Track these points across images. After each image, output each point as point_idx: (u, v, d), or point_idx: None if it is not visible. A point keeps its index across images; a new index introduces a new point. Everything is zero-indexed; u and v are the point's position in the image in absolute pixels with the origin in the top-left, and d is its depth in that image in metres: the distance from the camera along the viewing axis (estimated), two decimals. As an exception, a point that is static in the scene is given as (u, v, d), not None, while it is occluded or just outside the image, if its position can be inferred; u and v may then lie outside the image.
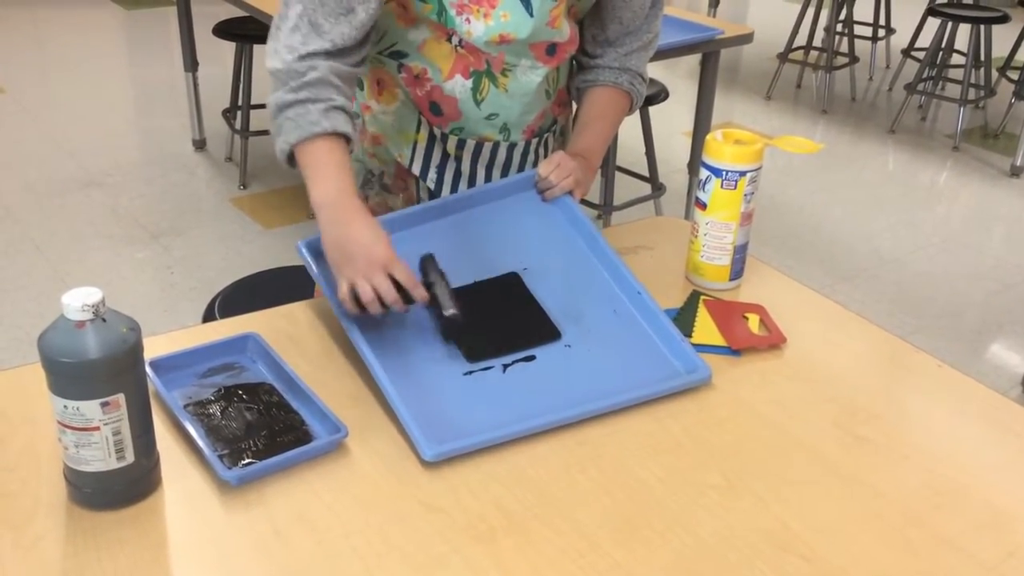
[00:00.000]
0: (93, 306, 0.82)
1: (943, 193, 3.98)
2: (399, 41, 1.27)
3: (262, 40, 3.37)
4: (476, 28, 1.20)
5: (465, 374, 1.05)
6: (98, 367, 0.82)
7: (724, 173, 1.24)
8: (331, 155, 1.12)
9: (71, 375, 0.83)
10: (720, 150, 1.24)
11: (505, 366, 1.07)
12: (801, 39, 5.04)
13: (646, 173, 3.26)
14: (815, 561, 0.85)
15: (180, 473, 0.93)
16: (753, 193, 1.26)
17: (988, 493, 0.94)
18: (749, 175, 1.24)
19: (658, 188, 3.23)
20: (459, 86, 1.27)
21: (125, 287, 2.91)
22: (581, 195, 1.31)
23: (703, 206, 1.28)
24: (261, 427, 0.99)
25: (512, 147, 1.35)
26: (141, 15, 5.79)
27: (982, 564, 0.86)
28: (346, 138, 1.15)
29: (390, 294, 1.04)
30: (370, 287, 1.05)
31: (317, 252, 1.15)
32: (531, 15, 1.20)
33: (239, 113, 3.55)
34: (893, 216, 3.69)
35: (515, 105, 1.30)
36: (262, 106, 3.81)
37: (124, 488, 0.88)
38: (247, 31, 3.40)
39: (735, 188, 1.24)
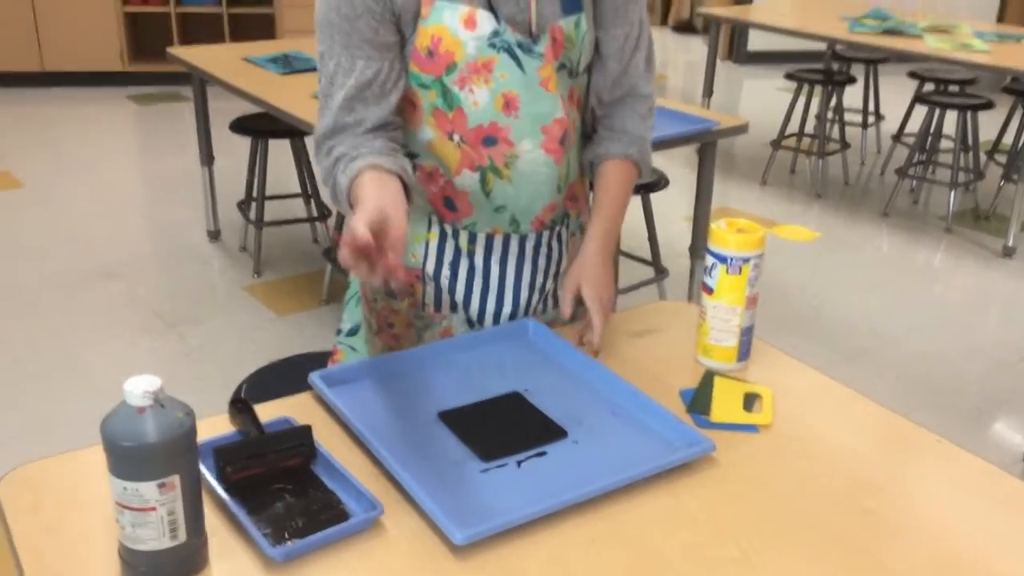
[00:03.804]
0: (153, 392, 0.89)
1: (938, 274, 4.07)
2: (409, 143, 1.37)
3: (277, 135, 3.54)
4: (480, 96, 1.30)
5: (482, 472, 1.12)
6: (157, 450, 0.88)
7: (729, 260, 1.32)
8: (358, 191, 1.22)
9: (131, 458, 0.89)
10: (725, 238, 1.32)
11: (519, 462, 1.13)
12: (793, 126, 5.22)
13: (649, 257, 3.36)
14: (830, 628, 0.90)
15: (226, 551, 0.98)
16: (757, 277, 1.34)
17: (989, 565, 0.99)
18: (752, 261, 1.32)
19: (661, 272, 3.33)
20: (468, 179, 1.36)
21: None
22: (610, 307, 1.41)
23: (710, 291, 1.36)
24: (299, 507, 1.04)
25: (523, 239, 1.43)
26: (154, 110, 5.98)
27: (989, 629, 0.90)
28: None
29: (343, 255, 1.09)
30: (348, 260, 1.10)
31: (330, 381, 1.26)
32: (522, 71, 1.30)
33: (254, 205, 3.66)
34: (890, 297, 3.78)
35: (521, 195, 1.38)
36: (277, 197, 3.95)
37: (176, 566, 0.93)
38: (262, 127, 3.54)
39: (740, 273, 1.32)
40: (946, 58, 4.13)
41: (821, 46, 5.29)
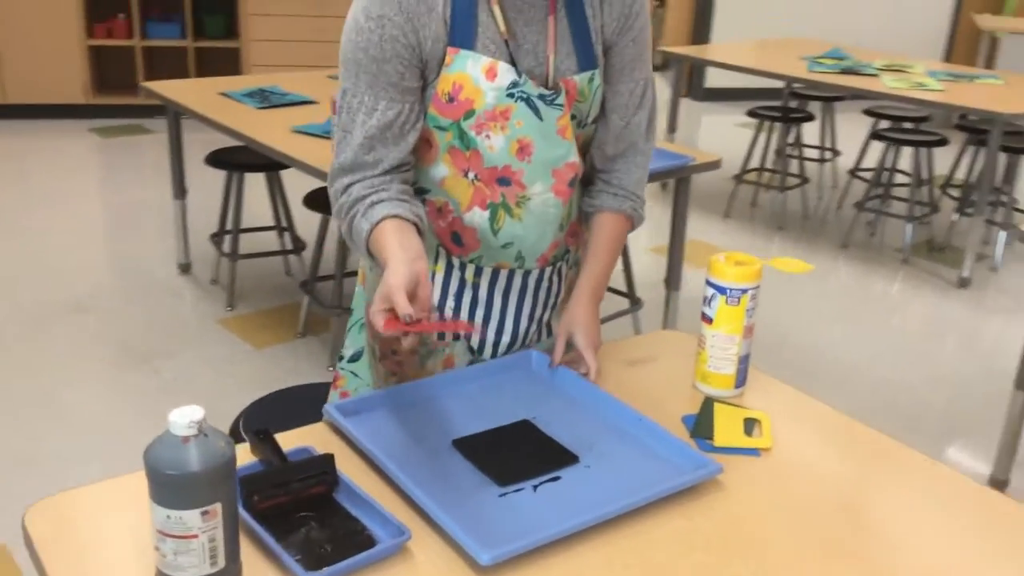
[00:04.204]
0: (198, 423, 0.91)
1: (897, 304, 4.19)
2: (420, 179, 1.41)
3: (253, 168, 3.55)
4: (496, 142, 1.35)
5: (500, 496, 1.15)
6: (200, 479, 0.91)
7: (728, 291, 1.38)
8: (380, 238, 1.28)
9: (175, 486, 0.91)
10: (724, 270, 1.38)
11: (535, 487, 1.17)
12: (754, 161, 5.36)
13: (623, 288, 3.42)
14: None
15: (259, 578, 1.00)
16: (754, 308, 1.40)
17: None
18: (750, 292, 1.38)
19: (636, 303, 3.39)
20: (478, 217, 1.41)
21: (120, 411, 2.94)
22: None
23: (709, 320, 1.41)
24: (325, 534, 1.07)
25: (527, 274, 1.48)
26: (117, 143, 5.94)
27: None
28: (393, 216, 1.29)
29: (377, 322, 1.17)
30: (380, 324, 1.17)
31: (344, 412, 1.29)
32: (540, 119, 1.35)
33: (227, 238, 3.66)
34: (852, 326, 3.89)
35: (529, 235, 1.43)
36: (250, 230, 3.94)
37: (214, 592, 0.95)
38: (239, 160, 3.55)
39: (738, 304, 1.38)
40: (904, 97, 4.29)
41: (777, 83, 5.45)
